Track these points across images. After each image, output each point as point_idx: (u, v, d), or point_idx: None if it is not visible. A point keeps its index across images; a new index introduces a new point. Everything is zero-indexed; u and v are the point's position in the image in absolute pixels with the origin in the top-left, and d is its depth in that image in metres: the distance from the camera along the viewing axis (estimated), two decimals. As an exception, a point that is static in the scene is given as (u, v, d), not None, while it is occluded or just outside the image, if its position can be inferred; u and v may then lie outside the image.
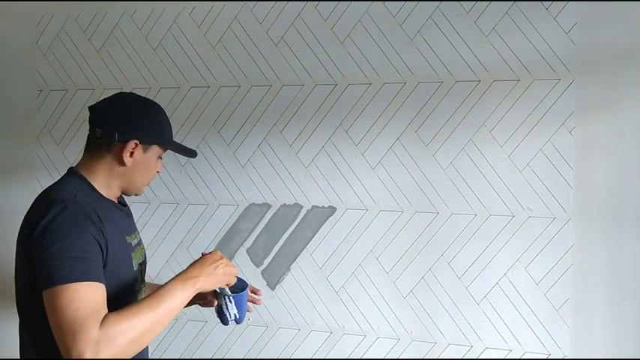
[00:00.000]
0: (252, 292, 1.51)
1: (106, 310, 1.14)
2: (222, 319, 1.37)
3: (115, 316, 1.12)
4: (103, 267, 1.21)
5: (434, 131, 1.68)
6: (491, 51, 1.63)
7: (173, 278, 1.23)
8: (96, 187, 1.30)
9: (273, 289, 1.80)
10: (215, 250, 1.32)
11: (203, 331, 1.86)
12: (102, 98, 1.41)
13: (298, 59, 1.78)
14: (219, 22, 1.84)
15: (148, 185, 1.38)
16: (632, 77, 1.54)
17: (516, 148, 1.62)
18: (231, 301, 1.35)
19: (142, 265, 1.42)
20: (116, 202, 1.36)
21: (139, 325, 1.13)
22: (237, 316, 1.37)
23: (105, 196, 1.31)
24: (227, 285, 1.32)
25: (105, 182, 1.31)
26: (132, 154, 1.29)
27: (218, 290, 1.33)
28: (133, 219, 1.47)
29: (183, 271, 1.25)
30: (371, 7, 1.72)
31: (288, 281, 1.79)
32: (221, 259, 1.29)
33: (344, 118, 1.74)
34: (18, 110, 2.02)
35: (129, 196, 1.38)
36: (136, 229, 1.46)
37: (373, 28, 1.72)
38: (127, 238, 1.33)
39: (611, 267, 1.56)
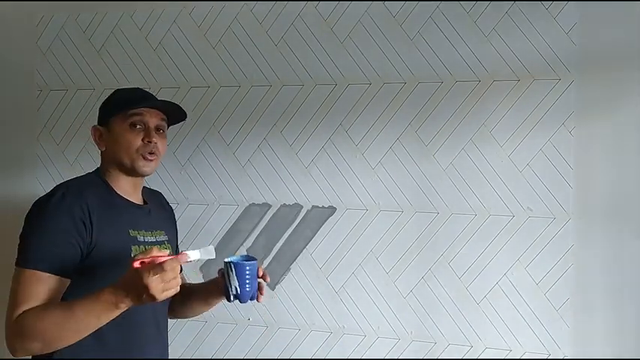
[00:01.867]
0: (262, 276, 1.38)
1: (36, 302, 1.19)
2: (225, 292, 1.32)
3: (28, 312, 1.18)
4: (89, 254, 1.26)
5: (434, 131, 1.68)
6: (491, 51, 1.63)
7: (104, 291, 1.14)
8: (109, 182, 1.39)
9: (273, 289, 1.80)
10: (144, 270, 1.09)
11: (203, 331, 1.86)
12: (101, 98, 1.46)
13: (298, 59, 1.78)
14: (219, 22, 1.84)
15: (142, 158, 1.36)
16: (632, 77, 1.54)
17: (516, 148, 1.62)
18: (232, 270, 1.29)
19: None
20: (132, 199, 1.41)
21: (44, 328, 1.16)
22: (239, 291, 1.29)
23: (117, 191, 1.38)
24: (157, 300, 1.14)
25: (108, 173, 1.39)
26: (100, 137, 1.39)
27: (225, 260, 1.31)
28: (161, 218, 1.51)
29: (111, 288, 1.14)
30: (371, 7, 1.72)
31: (288, 281, 1.79)
32: (146, 287, 1.09)
33: (344, 118, 1.74)
34: (18, 110, 2.02)
35: (139, 176, 1.40)
36: (160, 229, 1.47)
37: (373, 28, 1.72)
38: (130, 231, 1.35)
39: (612, 267, 1.56)
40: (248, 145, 1.82)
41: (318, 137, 1.76)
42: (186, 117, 1.48)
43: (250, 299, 1.33)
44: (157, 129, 1.40)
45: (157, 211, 1.51)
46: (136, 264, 1.12)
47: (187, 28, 1.87)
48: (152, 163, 1.39)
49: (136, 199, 1.43)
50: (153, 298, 1.10)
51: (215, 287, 1.44)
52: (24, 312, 1.18)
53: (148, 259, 1.12)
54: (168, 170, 1.88)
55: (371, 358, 1.73)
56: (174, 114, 1.45)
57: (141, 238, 1.38)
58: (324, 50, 1.76)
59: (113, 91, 1.47)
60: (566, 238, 1.59)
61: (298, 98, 1.78)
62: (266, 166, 1.81)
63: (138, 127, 1.37)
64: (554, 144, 1.59)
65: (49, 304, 1.20)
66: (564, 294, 1.59)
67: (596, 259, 1.57)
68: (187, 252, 1.15)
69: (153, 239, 1.43)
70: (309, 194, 1.78)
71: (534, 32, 1.60)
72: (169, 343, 1.79)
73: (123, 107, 1.37)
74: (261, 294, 1.37)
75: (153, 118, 1.39)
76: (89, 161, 1.93)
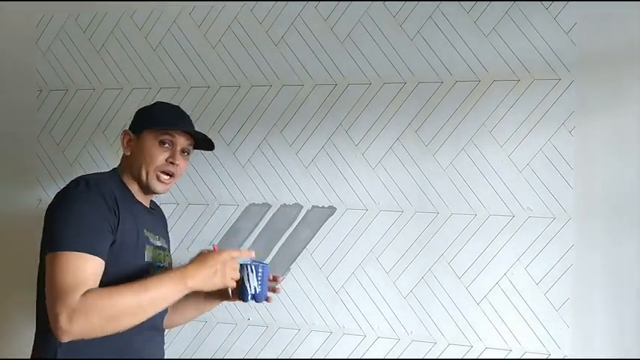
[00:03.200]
0: (273, 279, 1.54)
1: (94, 284, 1.20)
2: (243, 293, 1.41)
3: (97, 292, 1.18)
4: (113, 243, 1.28)
5: (434, 131, 1.68)
6: (491, 51, 1.63)
7: (171, 270, 1.29)
8: (126, 183, 1.43)
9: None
10: (223, 251, 1.33)
11: (203, 331, 1.86)
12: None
13: (298, 59, 1.78)
14: (219, 22, 1.84)
15: (157, 178, 1.42)
16: (632, 77, 1.54)
17: (516, 148, 1.62)
18: (252, 271, 1.39)
19: (162, 269, 1.46)
20: (144, 204, 1.46)
21: (117, 305, 1.18)
22: (257, 290, 1.41)
23: (134, 195, 1.43)
24: (219, 285, 1.33)
25: (126, 176, 1.43)
26: (128, 142, 1.44)
27: (241, 262, 1.40)
28: (162, 225, 1.58)
29: (184, 267, 1.29)
30: (371, 7, 1.72)
31: (288, 281, 1.79)
32: (223, 264, 1.31)
33: (344, 118, 1.74)
34: (18, 110, 2.02)
35: (152, 193, 1.46)
36: (162, 236, 1.53)
37: (373, 28, 1.72)
38: (145, 231, 1.40)
39: (611, 267, 1.56)
40: (248, 145, 1.82)
41: (318, 137, 1.76)
42: (213, 148, 1.56)
43: (264, 300, 1.46)
44: (183, 151, 1.46)
45: (159, 219, 1.58)
46: (215, 246, 1.34)
47: (187, 28, 1.87)
48: (166, 186, 1.45)
49: (146, 204, 1.50)
50: (224, 276, 1.30)
51: (209, 294, 1.51)
52: (90, 291, 1.18)
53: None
54: (168, 170, 1.88)
55: (371, 358, 1.73)
56: (201, 141, 1.51)
57: (152, 240, 1.43)
58: (324, 50, 1.76)
59: (154, 102, 1.55)
60: (566, 238, 1.59)
61: (298, 98, 1.78)
62: (266, 166, 1.81)
63: (166, 145, 1.42)
64: (554, 144, 1.59)
65: (120, 285, 1.22)
66: (564, 294, 1.59)
67: (596, 259, 1.57)
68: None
69: (159, 244, 1.47)
70: (309, 194, 1.78)
71: (534, 32, 1.60)
72: (169, 342, 1.81)
73: (160, 125, 1.42)
74: (277, 291, 1.54)
75: (182, 140, 1.45)
76: (89, 161, 1.93)
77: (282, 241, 1.79)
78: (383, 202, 1.72)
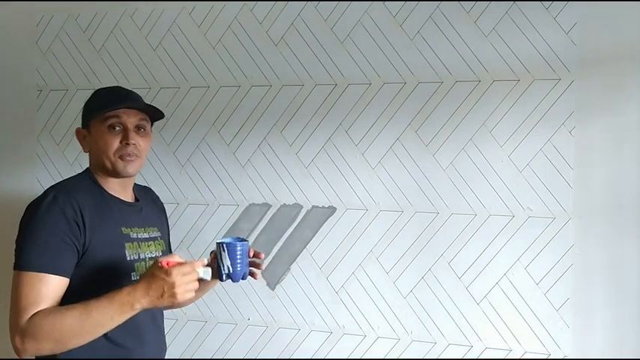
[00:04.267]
0: (254, 256, 1.44)
1: (47, 304, 1.20)
2: (219, 272, 1.35)
3: (43, 314, 1.19)
4: (84, 253, 1.27)
5: (434, 131, 1.68)
6: (491, 51, 1.63)
7: (122, 290, 1.19)
8: (99, 182, 1.38)
9: (273, 289, 1.80)
10: (171, 270, 1.17)
11: (203, 331, 1.86)
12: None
13: (298, 59, 1.78)
14: (219, 22, 1.84)
15: (121, 160, 1.35)
16: (633, 77, 1.54)
17: (516, 148, 1.62)
18: (224, 250, 1.33)
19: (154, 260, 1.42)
20: (122, 197, 1.41)
21: (61, 328, 1.19)
22: (231, 270, 1.34)
23: (107, 190, 1.38)
24: (173, 304, 1.23)
25: (97, 174, 1.39)
26: (84, 139, 1.41)
27: (219, 240, 1.36)
28: (152, 212, 1.51)
29: (134, 285, 1.20)
30: (371, 7, 1.72)
31: (288, 281, 1.79)
32: (170, 286, 1.17)
33: (344, 118, 1.74)
34: (18, 110, 2.02)
35: (122, 177, 1.39)
36: (153, 225, 1.49)
37: (373, 28, 1.72)
38: (123, 229, 1.36)
39: (611, 267, 1.56)
40: (248, 145, 1.82)
41: (318, 137, 1.76)
42: (163, 115, 1.46)
43: (242, 278, 1.38)
44: (138, 128, 1.38)
45: (149, 208, 1.51)
46: (164, 262, 1.18)
47: (187, 28, 1.87)
48: (133, 164, 1.37)
49: (127, 196, 1.43)
50: (174, 297, 1.18)
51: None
52: (37, 313, 1.19)
53: (173, 263, 1.19)
54: (168, 170, 1.88)
55: (371, 358, 1.73)
56: (153, 111, 1.43)
57: (134, 235, 1.39)
58: (324, 50, 1.76)
59: (93, 92, 1.46)
60: (566, 238, 1.59)
61: (298, 98, 1.78)
62: (266, 166, 1.81)
63: (117, 128, 1.35)
64: (554, 144, 1.59)
65: (66, 306, 1.21)
66: (564, 294, 1.59)
67: (595, 259, 1.57)
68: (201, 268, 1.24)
69: (146, 235, 1.43)
70: (309, 194, 1.78)
71: (534, 32, 1.60)
72: (170, 343, 1.80)
73: (99, 110, 1.36)
74: (259, 267, 1.44)
75: (131, 118, 1.37)
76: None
77: (282, 241, 1.79)
78: (383, 202, 1.72)
